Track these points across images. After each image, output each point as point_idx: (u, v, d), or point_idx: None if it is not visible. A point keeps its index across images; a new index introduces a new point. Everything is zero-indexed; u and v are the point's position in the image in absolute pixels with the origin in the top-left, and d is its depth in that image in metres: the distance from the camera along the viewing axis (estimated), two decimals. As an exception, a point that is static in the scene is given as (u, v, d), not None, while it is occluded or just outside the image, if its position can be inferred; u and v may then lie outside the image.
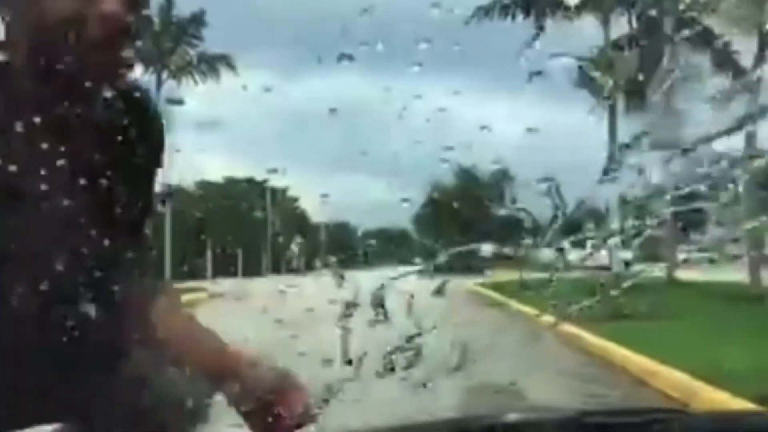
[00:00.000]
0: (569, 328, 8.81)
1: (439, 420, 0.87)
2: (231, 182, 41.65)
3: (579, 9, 19.11)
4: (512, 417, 0.92)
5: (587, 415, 0.89)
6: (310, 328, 1.72)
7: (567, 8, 19.22)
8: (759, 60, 14.74)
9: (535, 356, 7.17)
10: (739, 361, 5.41)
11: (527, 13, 19.27)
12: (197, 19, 26.13)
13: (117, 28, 0.86)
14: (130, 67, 0.91)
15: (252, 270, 38.14)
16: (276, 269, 42.76)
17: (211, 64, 26.20)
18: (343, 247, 53.31)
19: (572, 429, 0.88)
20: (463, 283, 20.65)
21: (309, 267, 46.62)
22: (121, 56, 0.88)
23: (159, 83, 25.55)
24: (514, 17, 19.18)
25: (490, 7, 19.19)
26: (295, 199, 51.73)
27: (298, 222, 49.70)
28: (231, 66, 26.29)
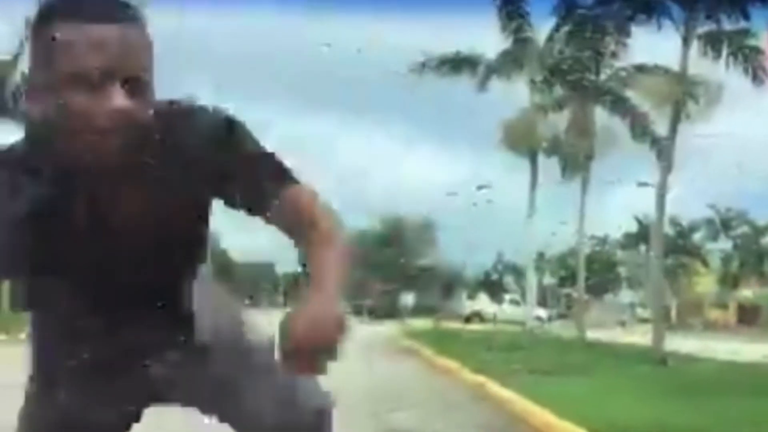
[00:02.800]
0: (476, 377, 8.92)
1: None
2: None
3: (507, 72, 19.80)
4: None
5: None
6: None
7: (493, 71, 19.89)
8: (671, 134, 15.50)
9: (442, 406, 7.21)
10: (634, 418, 5.60)
11: (457, 72, 19.81)
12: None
13: (124, 120, 1.08)
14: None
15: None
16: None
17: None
18: (261, 286, 52.55)
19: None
20: (381, 332, 20.62)
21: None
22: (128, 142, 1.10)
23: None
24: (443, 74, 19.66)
25: (422, 66, 19.63)
26: (215, 236, 50.82)
27: (219, 260, 48.77)
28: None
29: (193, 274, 1.33)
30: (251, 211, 1.20)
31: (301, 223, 1.16)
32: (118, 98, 1.06)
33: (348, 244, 1.18)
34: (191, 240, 1.29)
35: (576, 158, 19.53)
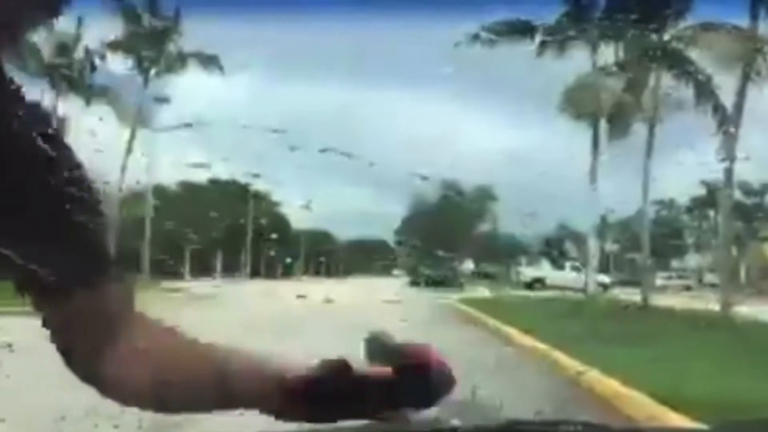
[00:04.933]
0: (541, 346, 8.87)
1: (374, 423, 0.86)
2: (213, 184, 41.31)
3: (569, 37, 19.31)
4: (450, 424, 0.96)
5: (517, 424, 0.95)
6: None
7: (556, 35, 19.42)
8: (740, 95, 14.95)
9: (508, 377, 7.21)
10: (700, 388, 5.50)
11: (517, 36, 19.42)
12: (178, 15, 25.52)
13: None
14: None
15: (230, 272, 37.89)
16: (255, 272, 42.36)
17: (201, 64, 26.05)
18: (322, 254, 53.09)
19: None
20: (438, 300, 20.64)
21: (286, 273, 46.36)
22: None
23: (146, 81, 25.40)
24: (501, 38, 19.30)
25: (477, 33, 19.28)
26: (277, 204, 51.33)
27: (279, 227, 49.29)
28: (219, 67, 26.19)
29: None
30: None
31: None
32: None
33: None
34: None
35: (627, 122, 19.03)
